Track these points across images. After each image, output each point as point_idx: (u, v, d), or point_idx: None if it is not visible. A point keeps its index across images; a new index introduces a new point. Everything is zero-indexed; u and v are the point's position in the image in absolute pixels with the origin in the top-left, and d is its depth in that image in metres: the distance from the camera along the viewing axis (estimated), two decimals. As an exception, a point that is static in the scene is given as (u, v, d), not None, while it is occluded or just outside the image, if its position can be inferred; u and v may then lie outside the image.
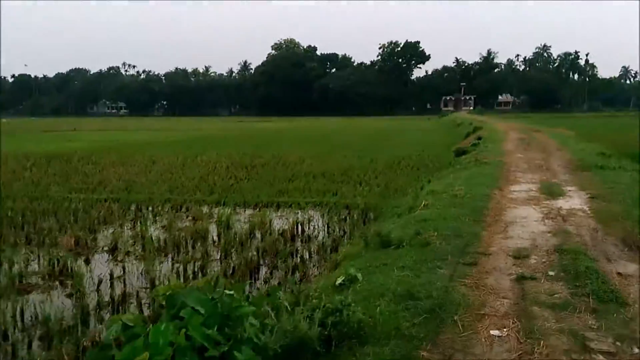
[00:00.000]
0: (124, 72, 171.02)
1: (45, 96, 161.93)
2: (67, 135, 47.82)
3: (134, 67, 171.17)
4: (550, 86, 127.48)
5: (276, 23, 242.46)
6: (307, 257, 8.92)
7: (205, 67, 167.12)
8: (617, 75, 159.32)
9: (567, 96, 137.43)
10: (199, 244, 9.77)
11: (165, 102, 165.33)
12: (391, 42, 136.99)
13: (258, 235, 10.38)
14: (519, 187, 10.19)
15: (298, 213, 12.57)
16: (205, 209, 13.02)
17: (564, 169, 12.76)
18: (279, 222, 11.55)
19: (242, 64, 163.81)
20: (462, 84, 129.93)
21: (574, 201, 8.65)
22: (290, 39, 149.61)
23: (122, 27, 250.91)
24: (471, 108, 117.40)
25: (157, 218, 12.24)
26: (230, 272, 8.03)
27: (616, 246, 5.99)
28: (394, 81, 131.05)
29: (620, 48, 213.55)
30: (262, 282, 7.86)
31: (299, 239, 10.17)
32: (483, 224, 7.03)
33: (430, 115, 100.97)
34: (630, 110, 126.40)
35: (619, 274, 4.92)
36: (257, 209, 13.13)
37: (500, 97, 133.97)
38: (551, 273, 4.93)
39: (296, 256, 8.91)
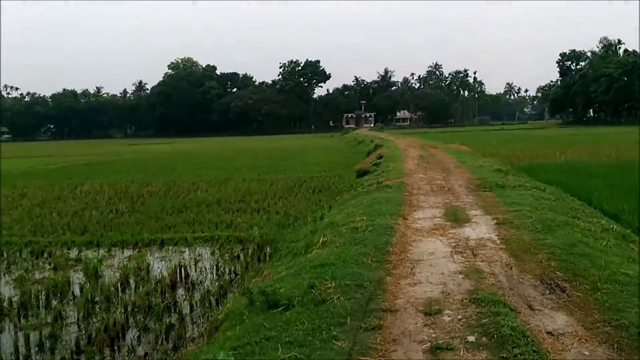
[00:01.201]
0: (6, 95, 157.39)
1: None
2: None
3: (16, 89, 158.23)
4: (443, 102, 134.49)
5: (172, 42, 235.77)
6: (188, 311, 7.49)
7: (97, 87, 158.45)
8: (502, 91, 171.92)
9: (459, 111, 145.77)
10: (55, 301, 7.99)
11: (52, 126, 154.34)
12: (292, 62, 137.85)
13: (133, 284, 8.78)
14: (422, 213, 9.45)
15: (184, 252, 11.07)
16: (73, 253, 11.09)
17: (466, 189, 12.33)
18: (160, 265, 9.98)
19: (137, 84, 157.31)
20: (362, 101, 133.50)
21: (480, 229, 7.99)
22: (188, 58, 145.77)
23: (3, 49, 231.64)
24: (372, 125, 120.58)
25: (10, 268, 10.16)
26: (86, 341, 6.42)
27: (535, 288, 5.23)
28: (296, 100, 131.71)
29: (504, 66, 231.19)
30: (125, 354, 6.31)
31: (181, 287, 8.69)
32: (387, 266, 6.05)
33: (333, 133, 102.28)
34: (514, 123, 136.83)
35: (549, 333, 4.07)
36: (137, 250, 11.42)
37: (398, 113, 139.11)
38: (471, 339, 3.97)
39: (174, 311, 7.45)
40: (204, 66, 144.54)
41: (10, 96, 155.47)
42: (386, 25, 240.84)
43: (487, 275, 5.66)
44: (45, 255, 11.04)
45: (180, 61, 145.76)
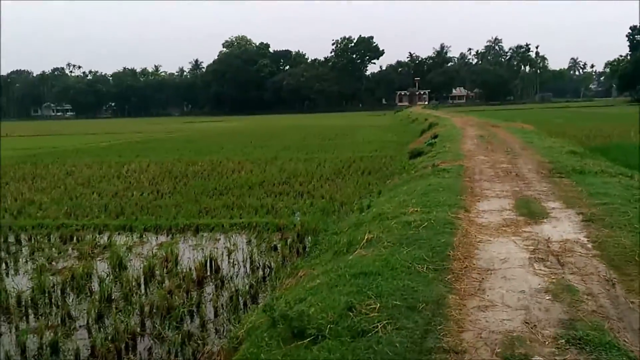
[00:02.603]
0: (69, 73, 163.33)
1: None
2: (-8, 142, 43.53)
3: (79, 67, 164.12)
4: (503, 79, 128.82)
5: (227, 20, 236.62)
6: (212, 316, 6.49)
7: (155, 66, 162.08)
8: (566, 67, 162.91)
9: (519, 88, 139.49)
10: (69, 298, 7.20)
11: (113, 104, 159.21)
12: (344, 38, 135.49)
13: (157, 278, 7.90)
14: (488, 204, 8.03)
15: (219, 240, 10.12)
16: (103, 239, 10.38)
17: (537, 174, 10.72)
18: (190, 255, 9.05)
19: (194, 62, 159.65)
20: (416, 78, 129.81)
21: (563, 227, 6.53)
22: (242, 36, 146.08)
23: (66, 27, 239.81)
24: (426, 102, 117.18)
25: (34, 255, 9.54)
26: (89, 352, 5.54)
27: (655, 320, 3.84)
28: (348, 77, 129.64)
29: (569, 41, 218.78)
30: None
31: (209, 283, 7.72)
32: (448, 277, 4.77)
33: (385, 111, 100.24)
34: (579, 100, 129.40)
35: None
36: (170, 236, 10.59)
37: (454, 90, 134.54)
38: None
39: (197, 314, 6.48)
40: (257, 44, 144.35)
41: (72, 74, 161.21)
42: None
43: (583, 296, 4.29)
44: (74, 240, 10.36)
45: (234, 39, 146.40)
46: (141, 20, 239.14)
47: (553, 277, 4.77)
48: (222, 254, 9.02)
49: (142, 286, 7.60)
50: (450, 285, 4.61)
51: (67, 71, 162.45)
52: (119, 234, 10.79)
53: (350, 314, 3.97)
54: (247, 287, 7.22)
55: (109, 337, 5.69)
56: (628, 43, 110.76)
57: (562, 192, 8.65)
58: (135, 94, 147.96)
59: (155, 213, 12.39)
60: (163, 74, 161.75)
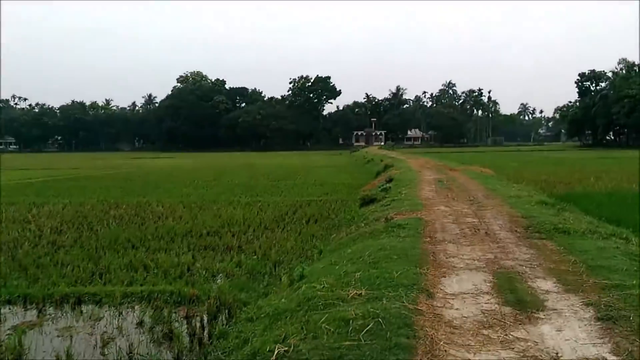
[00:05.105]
0: (14, 105, 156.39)
1: None
2: None
3: (25, 100, 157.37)
4: (456, 122, 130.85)
5: (181, 56, 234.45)
6: None
7: (106, 100, 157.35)
8: (516, 112, 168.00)
9: (472, 131, 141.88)
10: None
11: (60, 137, 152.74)
12: (302, 77, 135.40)
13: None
14: (458, 283, 5.84)
15: (101, 320, 7.54)
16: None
17: (512, 233, 8.68)
18: (48, 347, 6.46)
19: (147, 97, 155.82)
20: (372, 119, 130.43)
21: (573, 329, 4.39)
22: (197, 72, 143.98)
23: (13, 58, 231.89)
24: (382, 143, 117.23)
25: None
26: None
27: None
28: (305, 116, 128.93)
29: (519, 86, 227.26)
30: None
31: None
32: None
33: (342, 150, 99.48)
34: (530, 144, 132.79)
35: None
36: (38, 312, 7.93)
37: (409, 132, 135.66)
38: None
39: None
40: (213, 80, 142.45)
41: (18, 107, 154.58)
42: (399, 43, 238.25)
43: None
44: None
45: (189, 75, 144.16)
46: (95, 50, 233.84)
47: None
48: (95, 347, 6.47)
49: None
50: None
51: (11, 103, 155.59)
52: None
53: None
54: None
55: None
56: (577, 89, 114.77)
57: (550, 262, 6.57)
58: (83, 127, 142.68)
59: (34, 275, 9.67)
60: (114, 108, 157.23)
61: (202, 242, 12.63)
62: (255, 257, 10.97)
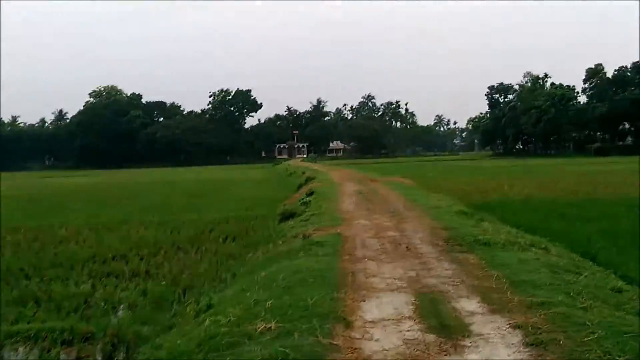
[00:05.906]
0: None
1: None
2: None
3: None
4: (376, 133, 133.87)
5: (95, 71, 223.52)
6: None
7: (12, 116, 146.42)
8: (432, 123, 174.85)
9: (392, 142, 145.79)
10: None
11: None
12: (222, 90, 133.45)
13: None
14: (378, 308, 5.38)
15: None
16: None
17: (433, 247, 8.42)
18: None
19: (57, 112, 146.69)
20: (294, 132, 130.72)
21: (501, 357, 4.04)
22: (112, 86, 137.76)
23: None
24: (304, 155, 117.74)
25: None
26: None
27: None
28: (227, 129, 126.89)
29: (435, 98, 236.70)
30: None
31: None
32: None
33: (264, 163, 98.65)
34: (445, 154, 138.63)
35: None
36: None
37: (331, 144, 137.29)
38: None
39: None
40: (128, 94, 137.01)
41: None
42: (318, 54, 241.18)
43: None
44: None
45: (103, 89, 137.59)
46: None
47: None
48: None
49: None
50: None
51: None
52: None
53: None
54: None
55: None
56: (487, 101, 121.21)
57: (473, 279, 6.30)
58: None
59: None
60: (22, 124, 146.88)
61: (106, 268, 11.50)
62: (163, 283, 10.06)
